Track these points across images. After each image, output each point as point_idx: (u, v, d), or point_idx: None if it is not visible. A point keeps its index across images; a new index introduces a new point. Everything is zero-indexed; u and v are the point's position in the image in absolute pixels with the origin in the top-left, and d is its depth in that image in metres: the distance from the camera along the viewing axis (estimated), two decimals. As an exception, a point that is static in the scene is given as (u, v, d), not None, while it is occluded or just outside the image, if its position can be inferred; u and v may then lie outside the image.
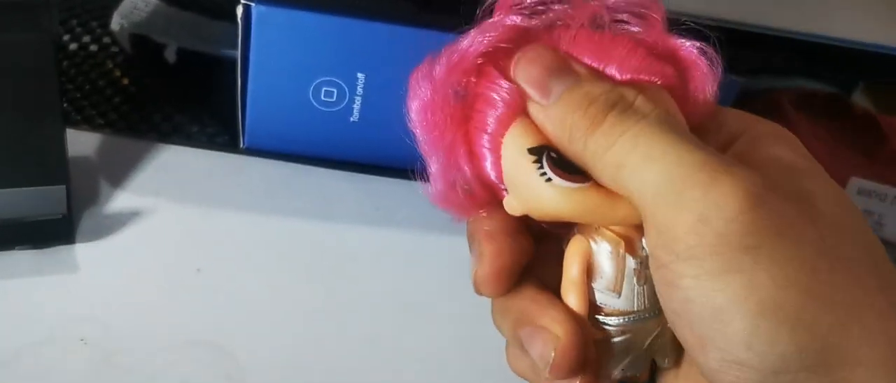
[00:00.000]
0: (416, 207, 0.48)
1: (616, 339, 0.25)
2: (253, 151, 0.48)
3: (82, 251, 0.42)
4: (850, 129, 0.56)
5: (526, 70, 0.25)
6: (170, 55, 0.53)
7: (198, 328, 0.40)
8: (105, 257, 0.42)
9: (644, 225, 0.23)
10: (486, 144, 0.25)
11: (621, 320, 0.25)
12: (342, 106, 0.44)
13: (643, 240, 0.25)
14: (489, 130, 0.25)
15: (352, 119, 0.44)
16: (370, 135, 0.45)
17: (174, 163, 0.48)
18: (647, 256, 0.24)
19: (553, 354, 0.25)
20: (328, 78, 0.43)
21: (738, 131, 0.27)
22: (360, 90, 0.43)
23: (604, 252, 0.25)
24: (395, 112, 0.44)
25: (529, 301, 0.26)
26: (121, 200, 0.45)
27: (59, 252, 0.42)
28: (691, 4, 0.46)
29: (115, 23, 0.54)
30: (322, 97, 0.44)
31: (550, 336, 0.25)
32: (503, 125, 0.25)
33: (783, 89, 0.57)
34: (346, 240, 0.46)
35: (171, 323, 0.40)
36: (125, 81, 0.52)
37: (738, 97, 0.50)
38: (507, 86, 0.25)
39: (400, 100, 0.43)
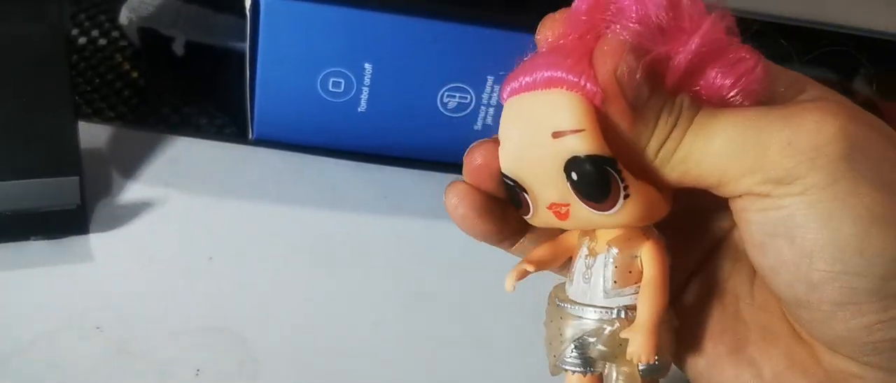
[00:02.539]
0: (423, 196, 0.48)
1: (562, 321, 0.27)
2: (262, 142, 0.48)
3: (96, 241, 0.43)
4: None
5: (624, 70, 0.23)
6: (178, 48, 0.53)
7: (210, 315, 0.41)
8: (118, 246, 0.43)
9: (727, 187, 0.24)
10: None
11: (566, 306, 0.27)
12: (350, 96, 0.44)
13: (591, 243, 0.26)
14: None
15: (359, 109, 0.45)
16: (378, 124, 0.46)
17: (184, 154, 0.49)
18: (596, 257, 0.26)
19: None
20: (336, 69, 0.43)
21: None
22: (367, 80, 0.44)
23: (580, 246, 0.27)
24: (402, 102, 0.45)
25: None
26: (133, 191, 0.46)
27: (73, 242, 0.43)
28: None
29: (124, 16, 0.54)
30: (330, 88, 0.44)
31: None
32: None
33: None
34: (354, 228, 0.47)
35: (185, 311, 0.41)
36: (134, 74, 0.53)
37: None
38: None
39: (407, 89, 0.44)
